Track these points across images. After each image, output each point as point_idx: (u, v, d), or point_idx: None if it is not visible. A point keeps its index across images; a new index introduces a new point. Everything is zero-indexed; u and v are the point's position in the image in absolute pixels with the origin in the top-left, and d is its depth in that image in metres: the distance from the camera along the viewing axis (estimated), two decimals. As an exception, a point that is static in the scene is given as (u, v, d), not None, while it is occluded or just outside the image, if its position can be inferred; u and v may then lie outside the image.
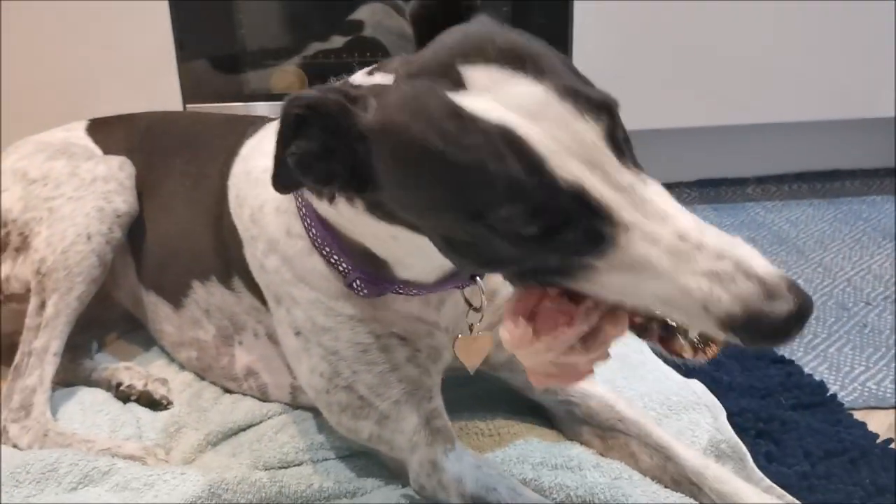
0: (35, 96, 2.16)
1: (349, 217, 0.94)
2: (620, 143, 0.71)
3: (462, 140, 0.70)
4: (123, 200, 1.36)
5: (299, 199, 1.02)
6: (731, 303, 0.64)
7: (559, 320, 0.74)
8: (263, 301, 1.18)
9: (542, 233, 0.69)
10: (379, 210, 0.87)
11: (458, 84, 0.72)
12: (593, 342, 0.75)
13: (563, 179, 0.67)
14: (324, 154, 0.79)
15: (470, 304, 1.06)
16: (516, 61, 0.72)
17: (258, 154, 1.14)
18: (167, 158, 1.41)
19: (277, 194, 0.94)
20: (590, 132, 0.69)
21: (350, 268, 1.01)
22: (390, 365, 1.05)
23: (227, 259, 1.22)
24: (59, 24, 2.11)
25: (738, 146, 2.58)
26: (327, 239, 1.00)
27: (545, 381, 0.81)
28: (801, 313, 0.64)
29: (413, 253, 0.94)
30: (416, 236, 0.85)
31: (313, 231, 1.01)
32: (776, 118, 2.41)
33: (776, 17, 2.24)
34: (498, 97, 0.70)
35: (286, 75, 2.30)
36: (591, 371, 0.80)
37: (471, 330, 1.07)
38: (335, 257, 1.01)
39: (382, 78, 0.82)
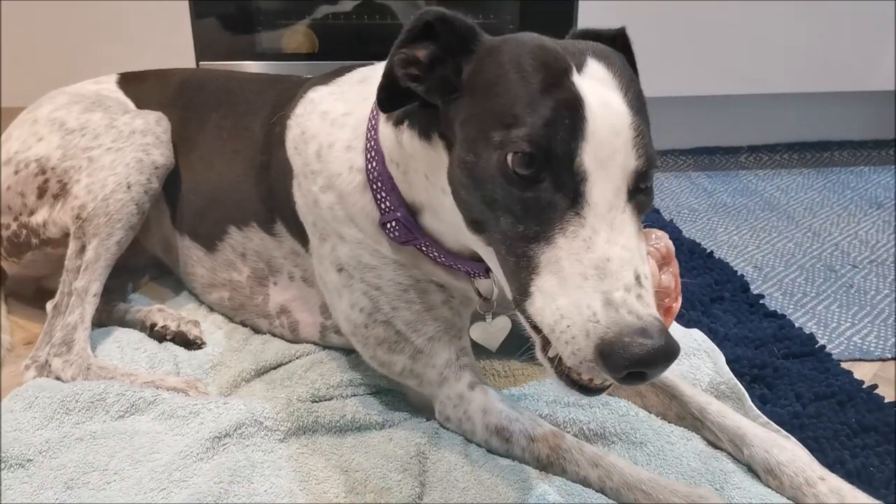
0: (49, 52, 2.20)
1: (406, 143, 1.05)
2: (639, 185, 0.85)
3: (547, 80, 0.85)
4: (161, 153, 1.43)
5: (370, 133, 1.12)
6: (607, 327, 0.76)
7: None
8: (304, 244, 1.26)
9: (530, 177, 0.83)
10: (434, 128, 1.00)
11: (580, 67, 0.86)
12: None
13: (580, 158, 0.82)
14: (429, 63, 0.95)
15: (480, 294, 1.16)
16: (626, 82, 0.88)
17: (333, 100, 1.22)
18: (203, 113, 1.48)
19: (350, 134, 1.13)
20: (629, 160, 0.83)
21: (392, 207, 1.10)
22: (427, 305, 1.14)
23: (270, 205, 1.30)
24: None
25: (732, 115, 2.66)
26: (383, 175, 1.10)
27: None
28: (665, 353, 0.75)
29: (440, 199, 1.03)
30: (447, 199, 0.99)
31: (372, 164, 1.11)
32: (770, 89, 2.48)
33: (775, -9, 2.30)
34: (596, 89, 0.85)
35: (297, 36, 2.35)
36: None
37: (485, 318, 1.18)
38: (382, 193, 1.11)
39: None
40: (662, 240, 1.01)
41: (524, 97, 0.85)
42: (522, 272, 0.85)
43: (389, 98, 1.00)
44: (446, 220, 1.06)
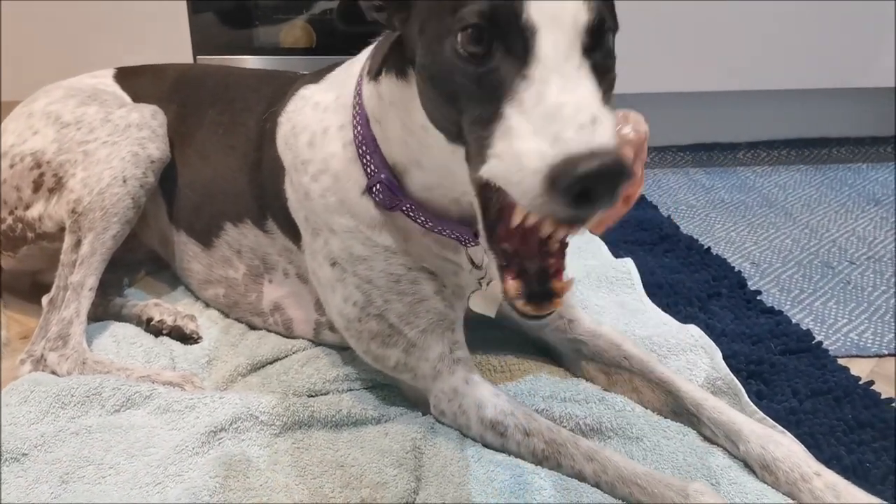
0: (47, 46, 2.20)
1: (385, 92, 1.06)
2: (594, 43, 0.82)
3: None
4: (156, 147, 1.43)
5: (356, 99, 1.13)
6: (553, 156, 0.73)
7: None
8: (296, 241, 1.25)
9: (482, 52, 0.82)
10: (407, 64, 0.99)
11: None
12: None
13: (526, 14, 0.80)
14: None
15: (473, 262, 1.15)
16: None
17: (324, 91, 1.23)
18: (199, 108, 1.48)
19: (343, 115, 1.15)
20: (580, 13, 0.81)
21: (376, 169, 1.11)
22: (419, 296, 1.14)
23: (263, 203, 1.30)
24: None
25: (730, 112, 2.66)
26: (367, 137, 1.11)
27: None
28: (613, 170, 0.72)
29: (423, 153, 1.04)
30: (427, 135, 0.98)
31: (357, 129, 1.12)
32: (769, 85, 2.48)
33: (774, -13, 2.30)
34: None
35: (294, 30, 2.34)
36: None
37: (480, 285, 1.16)
38: (367, 157, 1.11)
39: None
40: (639, 125, 0.98)
41: None
42: (482, 150, 0.83)
43: (351, 17, 1.02)
44: (428, 164, 1.06)
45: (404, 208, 1.12)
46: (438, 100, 0.91)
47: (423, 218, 1.12)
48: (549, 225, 0.82)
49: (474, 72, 0.83)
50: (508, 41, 0.81)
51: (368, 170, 1.12)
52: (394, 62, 1.04)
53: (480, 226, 0.91)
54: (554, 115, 0.75)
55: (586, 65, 0.80)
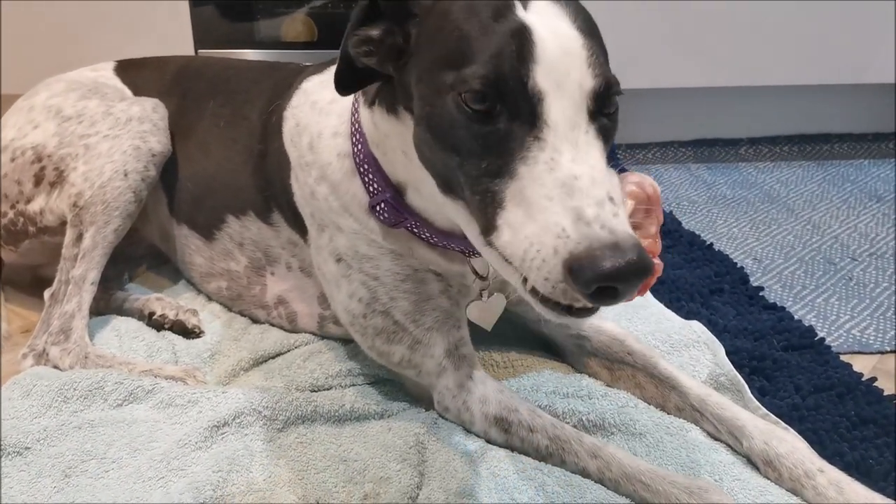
0: (48, 39, 2.19)
1: (379, 123, 1.05)
2: (600, 108, 0.83)
3: (491, 18, 0.84)
4: (158, 141, 1.42)
5: (354, 116, 1.12)
6: (576, 243, 0.73)
7: None
8: (301, 234, 1.25)
9: (486, 111, 0.81)
10: (398, 102, 0.99)
11: (524, 3, 0.85)
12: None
13: (532, 80, 0.80)
14: (381, 37, 0.94)
15: (477, 274, 1.14)
16: (573, 10, 0.86)
17: (323, 88, 1.22)
18: (200, 102, 1.47)
19: (336, 121, 1.13)
20: (585, 79, 0.82)
21: (380, 188, 1.10)
22: (425, 295, 1.14)
23: (267, 195, 1.30)
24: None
25: (732, 107, 2.65)
26: (368, 157, 1.10)
27: None
28: (636, 268, 0.71)
29: (417, 173, 1.03)
30: (425, 173, 0.97)
31: (358, 148, 1.11)
32: (770, 81, 2.48)
33: (776, -18, 2.30)
34: (542, 17, 0.84)
35: (296, 24, 2.34)
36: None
37: (481, 296, 1.17)
38: (370, 176, 1.10)
39: None
40: (645, 181, 0.96)
41: (469, 37, 0.84)
42: (488, 208, 0.82)
43: (348, 80, 1.01)
44: (427, 193, 1.05)
45: (408, 225, 1.11)
46: (436, 152, 0.90)
47: (427, 234, 1.11)
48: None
49: (479, 130, 0.83)
50: (515, 104, 0.81)
51: (370, 188, 1.11)
52: (385, 98, 1.03)
53: (502, 273, 0.88)
54: (571, 186, 0.76)
55: (593, 129, 0.81)
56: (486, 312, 1.20)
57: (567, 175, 0.77)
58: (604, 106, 0.83)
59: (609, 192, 0.76)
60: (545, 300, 0.79)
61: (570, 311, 0.80)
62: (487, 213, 0.83)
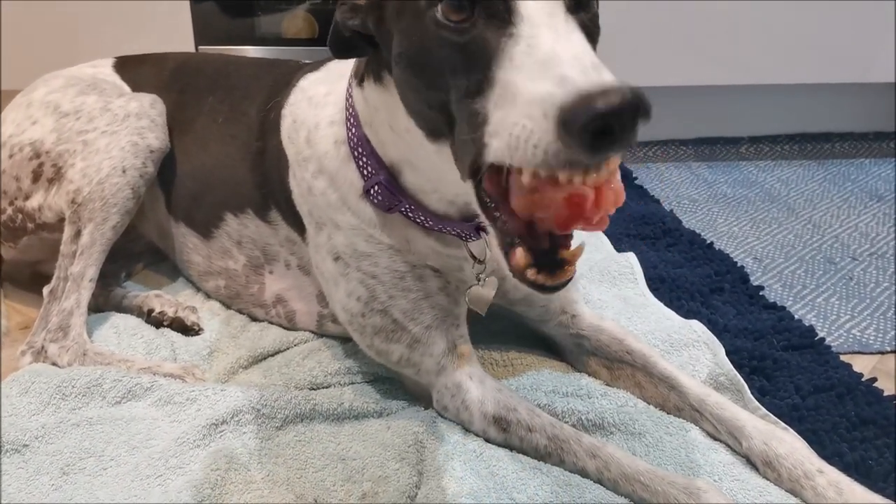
0: (48, 35, 2.18)
1: (370, 97, 1.06)
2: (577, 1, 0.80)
3: None
4: (156, 137, 1.42)
5: (348, 101, 1.12)
6: (564, 95, 0.69)
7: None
8: (300, 233, 1.25)
9: (464, 20, 0.80)
10: (383, 69, 0.99)
11: None
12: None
13: None
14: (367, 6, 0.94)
15: (474, 257, 1.14)
16: None
17: (318, 84, 1.22)
18: (199, 98, 1.47)
19: (332, 110, 1.14)
20: None
21: (373, 171, 1.10)
22: (424, 292, 1.14)
23: (265, 192, 1.29)
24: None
25: (733, 106, 2.65)
26: (361, 139, 1.10)
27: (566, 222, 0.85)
28: (634, 101, 0.67)
29: (413, 153, 1.03)
30: (413, 137, 0.97)
31: (352, 131, 1.11)
32: (771, 80, 2.47)
33: (778, -20, 2.29)
34: None
35: (296, 20, 2.33)
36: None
37: (478, 280, 1.15)
38: (364, 159, 1.10)
39: None
40: None
41: None
42: (476, 132, 0.79)
43: (340, 47, 1.02)
44: (420, 165, 1.04)
45: (403, 209, 1.10)
46: (420, 85, 0.88)
47: (422, 217, 1.11)
48: (562, 177, 0.75)
49: (458, 41, 0.81)
50: (490, 5, 0.79)
51: (365, 171, 1.11)
52: (372, 68, 1.03)
53: (479, 209, 0.87)
54: (552, 60, 0.72)
55: (573, 20, 0.79)
56: (480, 297, 1.18)
57: (547, 52, 0.73)
58: (583, 2, 0.81)
59: (594, 61, 0.72)
60: (514, 271, 0.81)
61: (535, 286, 0.81)
62: (476, 138, 0.79)
